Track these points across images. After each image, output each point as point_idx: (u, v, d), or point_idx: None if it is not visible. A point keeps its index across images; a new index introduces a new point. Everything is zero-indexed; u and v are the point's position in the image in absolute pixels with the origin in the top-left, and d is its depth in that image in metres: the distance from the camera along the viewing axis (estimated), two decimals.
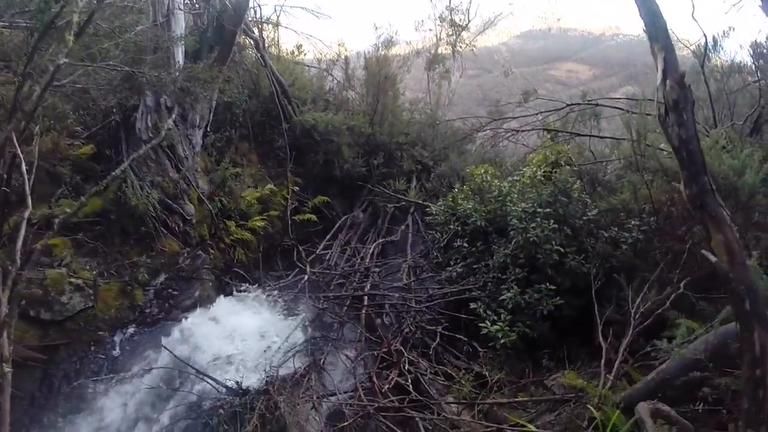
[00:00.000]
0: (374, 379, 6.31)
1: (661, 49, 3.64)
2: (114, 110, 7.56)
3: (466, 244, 8.27)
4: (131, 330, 6.44)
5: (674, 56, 3.63)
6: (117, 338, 6.29)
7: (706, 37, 8.03)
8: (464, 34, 18.25)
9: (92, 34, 6.49)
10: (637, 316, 5.47)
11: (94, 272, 6.51)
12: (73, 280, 6.20)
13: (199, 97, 8.10)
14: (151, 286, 6.94)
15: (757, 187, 5.58)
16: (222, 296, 7.61)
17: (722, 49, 8.60)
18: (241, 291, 7.89)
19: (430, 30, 18.45)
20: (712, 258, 3.35)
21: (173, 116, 7.90)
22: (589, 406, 4.51)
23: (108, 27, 6.48)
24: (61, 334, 5.92)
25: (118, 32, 6.50)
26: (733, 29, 8.48)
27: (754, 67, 8.31)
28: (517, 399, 5.69)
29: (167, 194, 7.60)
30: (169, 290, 7.04)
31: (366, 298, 8.10)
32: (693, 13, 7.71)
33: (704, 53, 8.03)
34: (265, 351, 6.49)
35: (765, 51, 8.06)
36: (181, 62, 8.18)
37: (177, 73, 7.52)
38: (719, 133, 6.14)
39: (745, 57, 8.56)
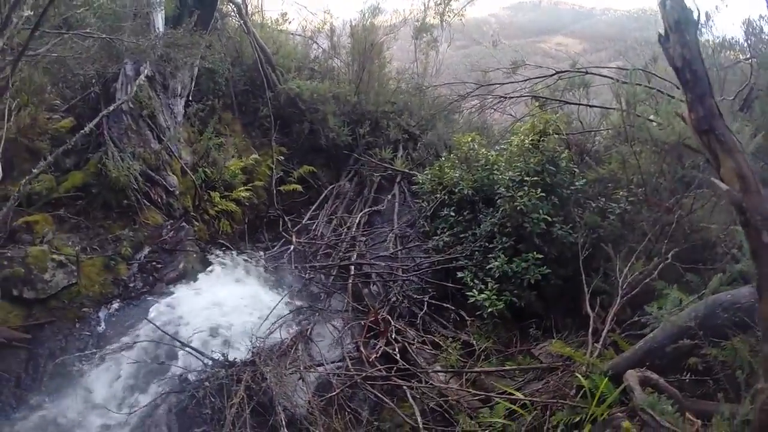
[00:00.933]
0: (361, 348, 6.28)
1: None
2: (93, 81, 7.36)
3: (453, 213, 8.20)
4: (116, 305, 6.30)
5: None
6: (102, 314, 6.14)
7: (699, 11, 7.84)
8: (453, 3, 17.87)
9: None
10: (624, 286, 5.41)
11: (77, 248, 6.36)
12: (55, 256, 6.05)
13: (180, 65, 7.83)
14: (135, 260, 6.79)
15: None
16: (207, 268, 7.46)
17: (714, 25, 8.48)
18: (225, 261, 7.72)
19: None
20: (723, 186, 3.08)
21: (145, 79, 7.63)
22: (577, 374, 4.47)
23: None
24: (45, 312, 5.79)
25: None
26: (726, 5, 8.34)
27: (746, 44, 8.19)
28: (504, 368, 5.67)
29: (149, 165, 7.41)
30: (153, 263, 6.89)
31: (352, 267, 8.05)
32: None
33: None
34: (251, 322, 6.39)
35: (757, 29, 7.94)
36: (161, 29, 7.94)
37: (157, 40, 7.22)
38: None
39: (737, 34, 8.47)
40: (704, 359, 3.92)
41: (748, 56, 7.96)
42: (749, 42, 8.03)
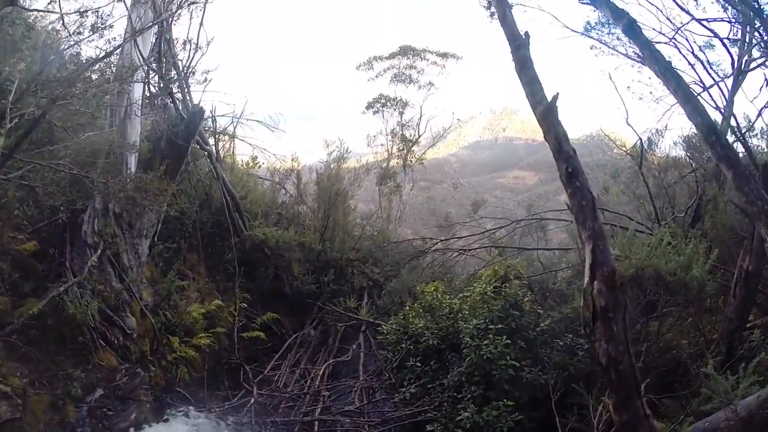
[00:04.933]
0: None
1: (590, 238, 3.14)
2: (62, 208, 7.54)
3: (419, 363, 8.31)
4: None
5: (605, 244, 3.12)
6: None
7: (641, 139, 9.00)
8: (415, 147, 19.74)
9: (45, 129, 6.78)
10: (600, 426, 5.47)
11: (25, 380, 6.20)
12: (1, 386, 5.89)
13: (147, 209, 8.32)
14: (85, 403, 6.59)
15: (705, 280, 5.98)
16: (161, 420, 7.30)
17: (657, 147, 9.61)
18: (182, 415, 7.66)
19: (381, 145, 19.82)
20: None
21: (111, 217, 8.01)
22: None
23: (61, 125, 6.65)
24: None
25: (71, 132, 6.82)
26: (666, 128, 9.56)
27: (688, 159, 9.21)
28: None
29: (108, 305, 7.47)
30: (104, 409, 6.69)
31: (317, 423, 7.98)
32: (627, 118, 8.77)
33: (641, 154, 8.89)
34: None
35: (696, 143, 8.95)
36: (134, 170, 8.35)
37: (128, 181, 7.76)
38: (663, 230, 6.59)
39: (678, 152, 9.58)
40: None
41: (692, 169, 8.94)
42: (690, 156, 9.06)
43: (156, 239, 9.14)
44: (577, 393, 6.42)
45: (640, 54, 7.76)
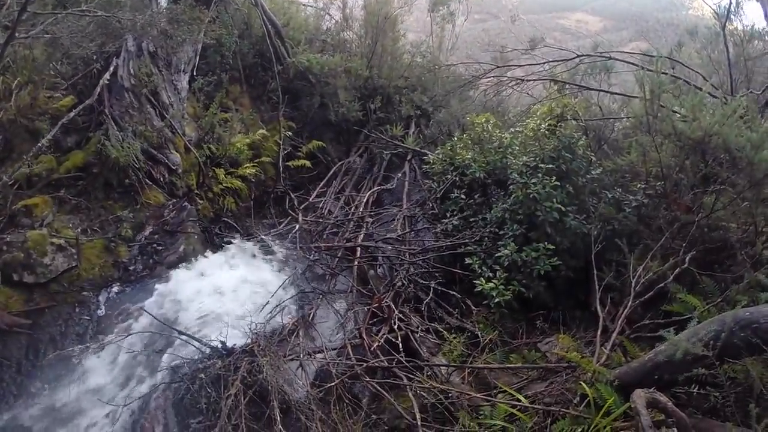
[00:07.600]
0: (364, 335, 6.06)
1: None
2: (94, 57, 7.07)
3: (463, 196, 7.94)
4: (115, 289, 6.18)
5: None
6: (101, 298, 6.04)
7: None
8: None
9: None
10: (637, 287, 5.15)
11: (77, 230, 6.24)
12: (55, 240, 5.93)
13: (181, 41, 7.52)
14: (136, 242, 6.64)
15: None
16: (209, 250, 7.32)
17: (744, 13, 8.06)
18: (229, 243, 7.55)
19: None
20: None
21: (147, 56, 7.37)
22: (581, 382, 4.22)
23: None
24: (45, 297, 5.71)
25: None
26: None
27: None
28: (508, 366, 5.40)
29: (151, 144, 7.20)
30: (154, 245, 6.74)
31: (359, 249, 7.83)
32: None
33: (726, 14, 7.54)
34: (252, 306, 6.24)
35: None
36: (164, 3, 7.71)
37: (157, 16, 6.92)
38: (738, 101, 5.54)
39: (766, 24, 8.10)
40: (715, 373, 3.63)
41: None
42: None
43: (195, 74, 8.62)
44: (617, 249, 5.99)
45: None
